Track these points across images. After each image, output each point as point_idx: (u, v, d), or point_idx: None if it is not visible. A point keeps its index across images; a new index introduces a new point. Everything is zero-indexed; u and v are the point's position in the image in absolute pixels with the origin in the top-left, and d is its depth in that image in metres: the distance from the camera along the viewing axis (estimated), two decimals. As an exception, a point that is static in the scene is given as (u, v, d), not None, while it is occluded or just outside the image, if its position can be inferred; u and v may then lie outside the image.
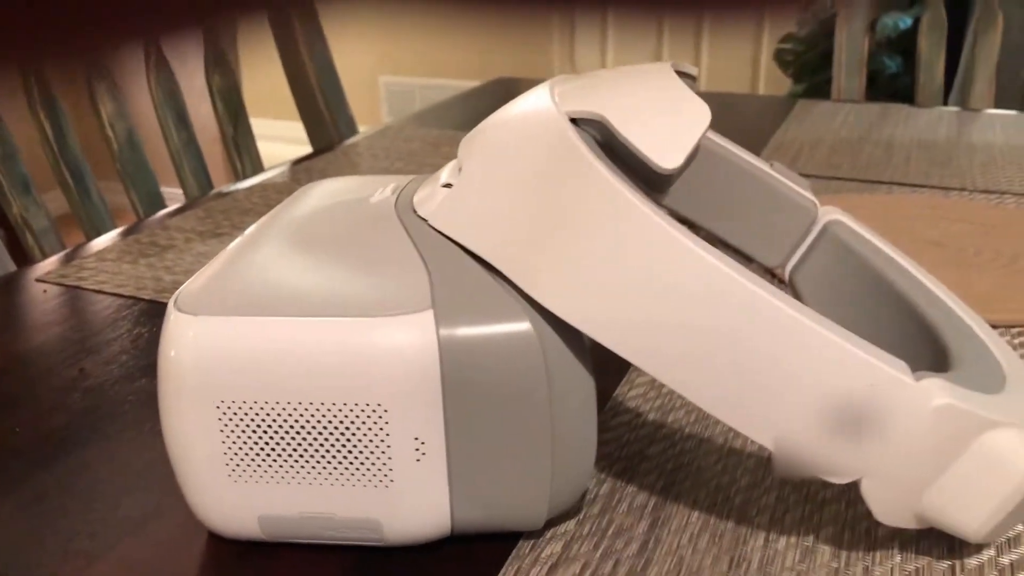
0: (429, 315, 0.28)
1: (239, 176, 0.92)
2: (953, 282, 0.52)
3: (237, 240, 0.35)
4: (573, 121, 0.31)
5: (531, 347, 0.28)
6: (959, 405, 0.27)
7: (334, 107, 0.97)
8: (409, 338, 0.28)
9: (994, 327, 0.47)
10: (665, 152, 0.29)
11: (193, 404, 0.29)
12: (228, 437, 0.29)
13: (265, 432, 0.29)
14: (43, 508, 0.34)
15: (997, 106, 1.06)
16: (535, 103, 0.32)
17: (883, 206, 0.64)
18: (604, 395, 0.41)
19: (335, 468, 0.29)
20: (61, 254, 0.59)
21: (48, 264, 0.57)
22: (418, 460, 0.29)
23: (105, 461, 0.37)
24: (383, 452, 0.29)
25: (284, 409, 0.29)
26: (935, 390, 0.27)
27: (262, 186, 0.72)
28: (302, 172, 0.76)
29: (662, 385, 0.42)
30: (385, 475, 0.29)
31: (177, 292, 0.31)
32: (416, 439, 0.29)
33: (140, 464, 0.37)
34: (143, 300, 0.52)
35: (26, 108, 0.76)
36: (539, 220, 0.29)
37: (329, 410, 0.29)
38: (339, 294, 0.29)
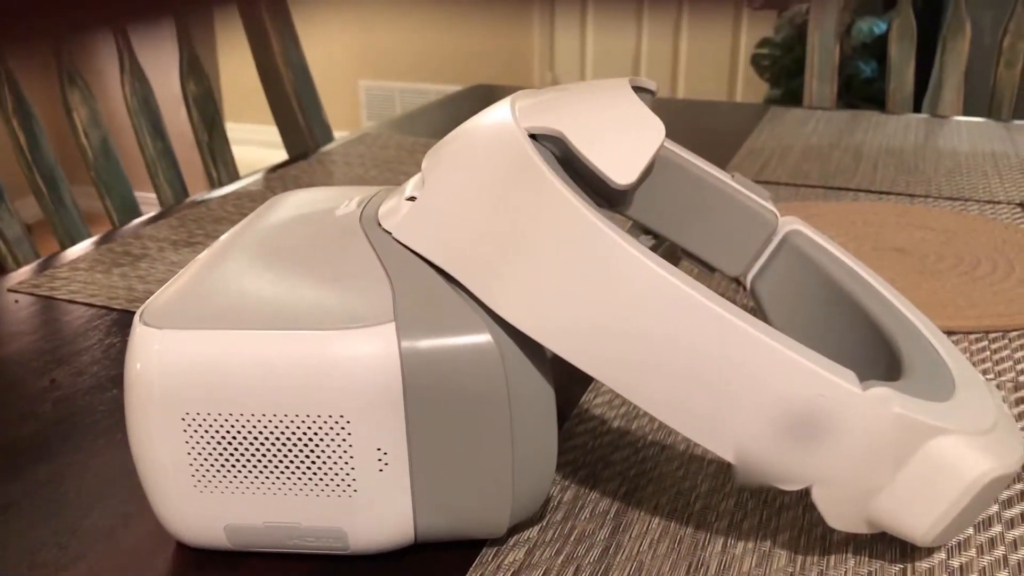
0: (391, 327, 0.29)
1: (214, 184, 0.92)
2: (915, 289, 0.53)
3: (203, 253, 0.35)
4: (533, 137, 0.32)
5: (491, 359, 0.29)
6: (905, 413, 0.28)
7: (309, 113, 0.97)
8: (371, 350, 0.29)
9: (953, 334, 0.48)
10: (620, 168, 0.29)
11: (158, 416, 0.29)
12: (193, 448, 0.30)
13: (230, 443, 0.29)
14: (9, 517, 0.34)
15: (966, 113, 1.08)
16: (496, 118, 0.32)
17: (848, 213, 0.66)
18: (570, 403, 0.42)
19: (299, 478, 0.30)
20: (34, 264, 0.59)
21: (20, 274, 0.58)
22: (381, 470, 0.30)
23: (74, 471, 0.37)
24: (346, 463, 0.29)
25: (248, 421, 0.29)
26: (882, 399, 0.28)
27: (236, 195, 0.72)
28: (276, 180, 0.76)
29: (627, 392, 0.43)
30: (348, 485, 0.30)
31: (143, 306, 0.31)
32: (379, 450, 0.29)
33: (109, 474, 0.37)
34: (115, 310, 0.52)
35: (-1, 116, 0.76)
36: (498, 233, 0.30)
37: (292, 422, 0.29)
38: (302, 307, 0.30)
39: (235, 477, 0.30)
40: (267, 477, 0.30)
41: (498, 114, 0.33)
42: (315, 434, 0.29)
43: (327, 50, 3.02)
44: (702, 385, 0.28)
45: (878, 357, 0.35)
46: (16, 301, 0.54)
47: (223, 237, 0.37)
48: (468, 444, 0.30)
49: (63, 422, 0.41)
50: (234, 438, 0.29)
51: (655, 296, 0.28)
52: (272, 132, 2.95)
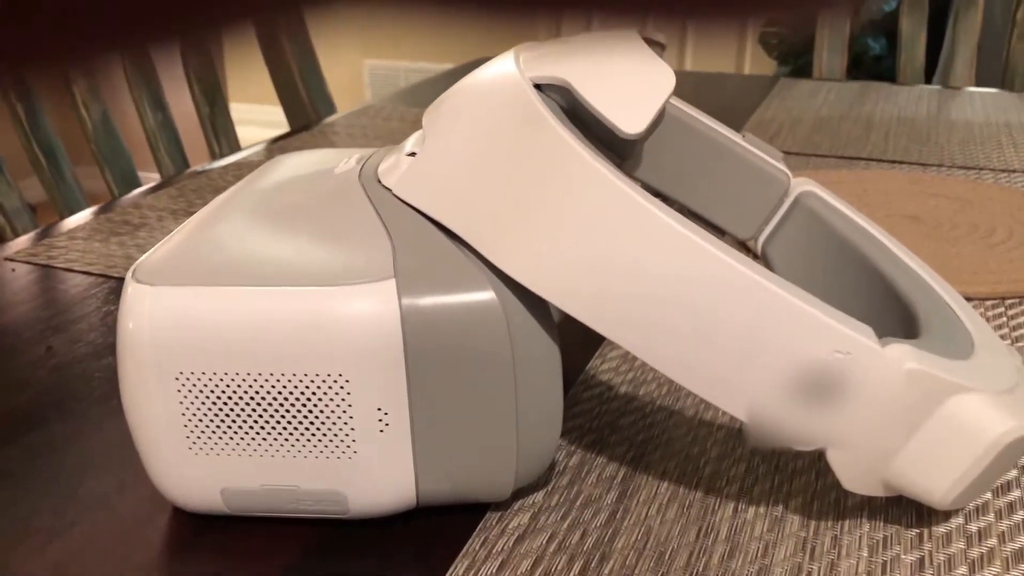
0: (391, 284, 0.28)
1: (216, 157, 0.91)
2: (929, 256, 0.52)
3: (199, 212, 0.34)
4: (538, 87, 0.31)
5: (494, 317, 0.28)
6: (924, 369, 0.27)
7: (312, 86, 0.96)
8: (371, 307, 0.28)
9: (970, 300, 0.47)
10: (629, 117, 0.28)
11: (152, 376, 0.29)
12: (188, 409, 0.29)
13: (225, 403, 0.29)
14: (4, 485, 0.34)
15: (978, 84, 1.06)
16: (499, 69, 0.31)
17: (861, 181, 0.64)
18: (576, 368, 0.41)
19: (297, 440, 0.29)
20: (32, 233, 0.58)
21: (18, 243, 0.57)
22: (381, 431, 0.29)
23: (70, 438, 0.36)
24: (345, 423, 0.28)
25: (244, 380, 0.28)
26: (900, 355, 0.27)
27: (237, 165, 0.71)
28: (278, 151, 0.75)
29: (634, 358, 0.42)
30: (348, 446, 0.29)
31: (136, 263, 0.30)
32: (379, 410, 0.28)
33: (106, 442, 0.36)
34: (113, 278, 0.51)
35: (-3, 87, 0.75)
36: (502, 187, 0.29)
37: (290, 380, 0.28)
38: (300, 263, 0.29)
39: (231, 439, 0.29)
40: (264, 438, 0.29)
41: (502, 65, 0.31)
42: (313, 393, 0.28)
43: (332, 30, 3.00)
44: (714, 341, 0.27)
45: (895, 319, 0.34)
46: (13, 270, 0.53)
47: (219, 197, 0.36)
48: (471, 404, 0.29)
49: (59, 390, 0.40)
50: (229, 398, 0.28)
51: (666, 248, 0.27)
52: (274, 112, 2.93)
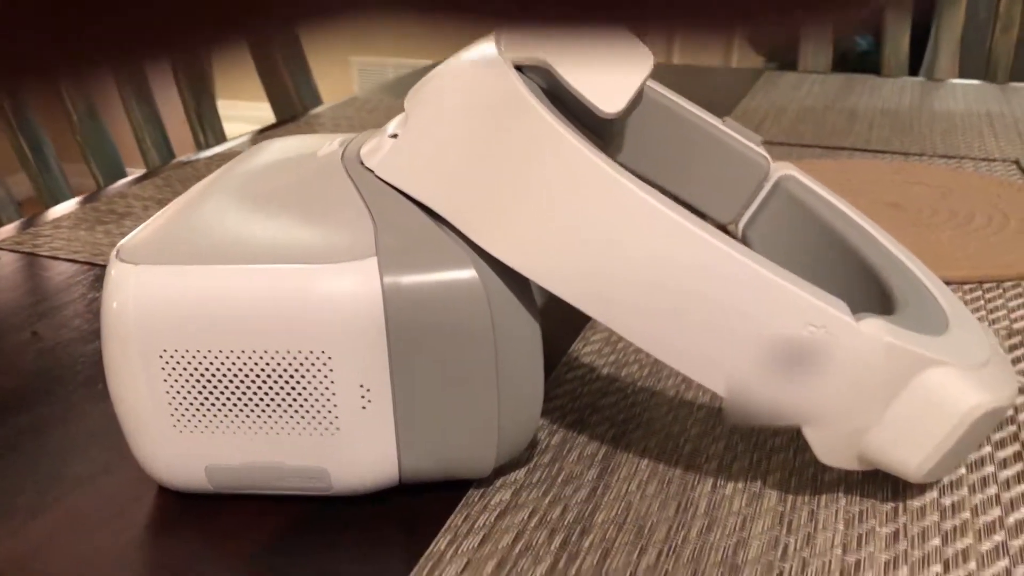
0: (372, 262, 0.28)
1: (202, 149, 0.91)
2: (910, 242, 0.52)
3: (183, 195, 0.35)
4: (519, 68, 0.31)
5: (475, 294, 0.28)
6: (897, 343, 0.27)
7: (299, 79, 0.96)
8: (353, 285, 0.28)
9: (948, 284, 0.48)
10: (607, 97, 0.29)
11: (136, 354, 0.29)
12: (172, 387, 0.29)
13: (209, 381, 0.29)
14: (-10, 466, 0.34)
15: (962, 76, 1.07)
16: (481, 52, 0.32)
17: (843, 170, 0.65)
18: (559, 351, 0.41)
19: (281, 416, 0.29)
20: (17, 222, 0.58)
21: (4, 231, 0.57)
22: (364, 408, 0.29)
23: (56, 422, 0.37)
24: (328, 400, 0.29)
25: (228, 357, 0.29)
26: (874, 329, 0.27)
27: (223, 155, 0.71)
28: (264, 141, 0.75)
29: (617, 341, 0.42)
30: (331, 423, 0.29)
31: (120, 243, 0.31)
32: (361, 386, 0.29)
33: (91, 425, 0.37)
34: (99, 266, 0.51)
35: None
36: (484, 167, 0.29)
37: (273, 358, 0.28)
38: (282, 242, 0.29)
39: (215, 416, 0.29)
40: (248, 416, 0.29)
41: (483, 48, 0.32)
42: (296, 370, 0.28)
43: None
44: (692, 316, 0.27)
45: (871, 297, 0.35)
46: (-1, 258, 0.53)
47: (203, 180, 0.36)
48: (453, 381, 0.29)
49: (44, 374, 0.40)
50: (213, 375, 0.29)
51: (645, 225, 0.27)
52: (261, 108, 2.93)
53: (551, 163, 0.28)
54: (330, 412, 0.29)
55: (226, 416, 0.29)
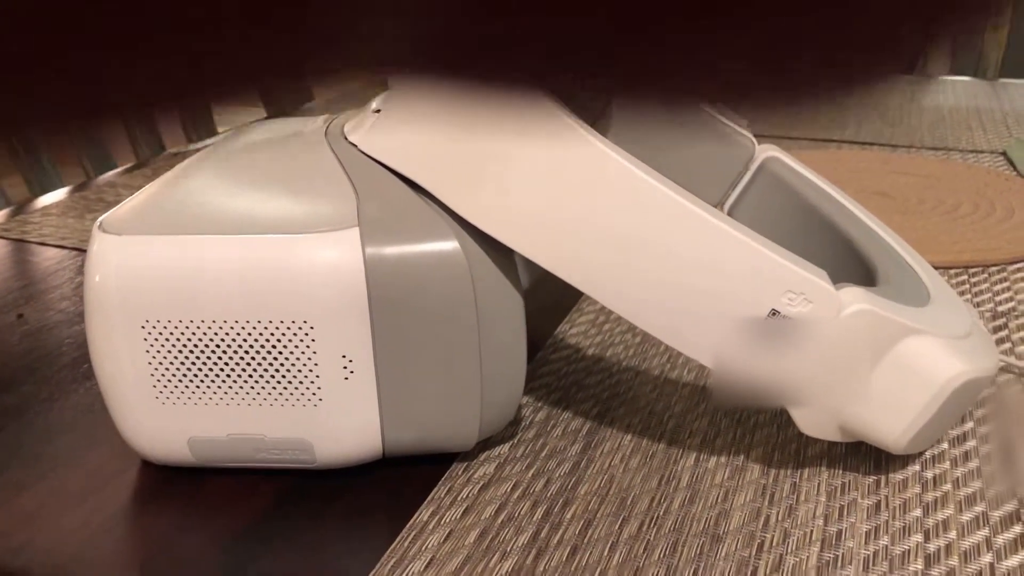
0: (355, 232, 0.28)
1: (192, 141, 0.91)
2: (897, 228, 0.52)
3: (167, 173, 0.35)
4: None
5: (457, 265, 0.29)
6: (876, 311, 0.27)
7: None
8: (335, 255, 0.28)
9: (935, 268, 0.48)
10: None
11: (118, 325, 0.29)
12: (154, 358, 0.29)
13: (191, 352, 0.29)
14: (-26, 442, 0.34)
15: (953, 73, 1.07)
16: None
17: (831, 161, 0.65)
18: (545, 333, 0.41)
19: (263, 387, 0.29)
20: (6, 210, 0.58)
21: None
22: (346, 378, 0.29)
23: (40, 401, 0.37)
24: (310, 370, 0.29)
25: (210, 328, 0.29)
26: (853, 297, 0.27)
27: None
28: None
29: (603, 323, 0.42)
30: (313, 394, 0.29)
31: (103, 216, 0.31)
32: (344, 357, 0.29)
33: (75, 403, 0.36)
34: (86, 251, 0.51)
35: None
36: (466, 139, 0.29)
37: (255, 328, 0.28)
38: (265, 213, 0.29)
39: (197, 387, 0.29)
40: (230, 387, 0.29)
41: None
42: (278, 341, 0.29)
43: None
44: (675, 284, 0.27)
45: (853, 273, 0.35)
46: (-14, 245, 0.53)
47: (188, 159, 0.36)
48: (436, 352, 0.29)
49: (29, 354, 0.40)
50: (195, 346, 0.29)
51: (632, 195, 0.27)
52: (257, 114, 2.92)
53: (536, 133, 0.28)
54: (312, 383, 0.29)
55: (208, 387, 0.29)
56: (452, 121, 0.30)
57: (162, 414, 0.30)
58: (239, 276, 0.28)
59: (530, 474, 0.31)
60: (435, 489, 0.31)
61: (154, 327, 0.29)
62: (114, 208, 0.31)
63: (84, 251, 0.51)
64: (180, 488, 0.31)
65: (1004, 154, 0.68)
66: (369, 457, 0.31)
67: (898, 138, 0.73)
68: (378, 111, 0.32)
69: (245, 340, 0.29)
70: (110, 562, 0.28)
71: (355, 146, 0.32)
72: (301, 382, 0.29)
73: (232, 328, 0.28)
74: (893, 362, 0.28)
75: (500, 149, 0.28)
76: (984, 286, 0.46)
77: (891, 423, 0.28)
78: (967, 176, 0.61)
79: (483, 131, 0.29)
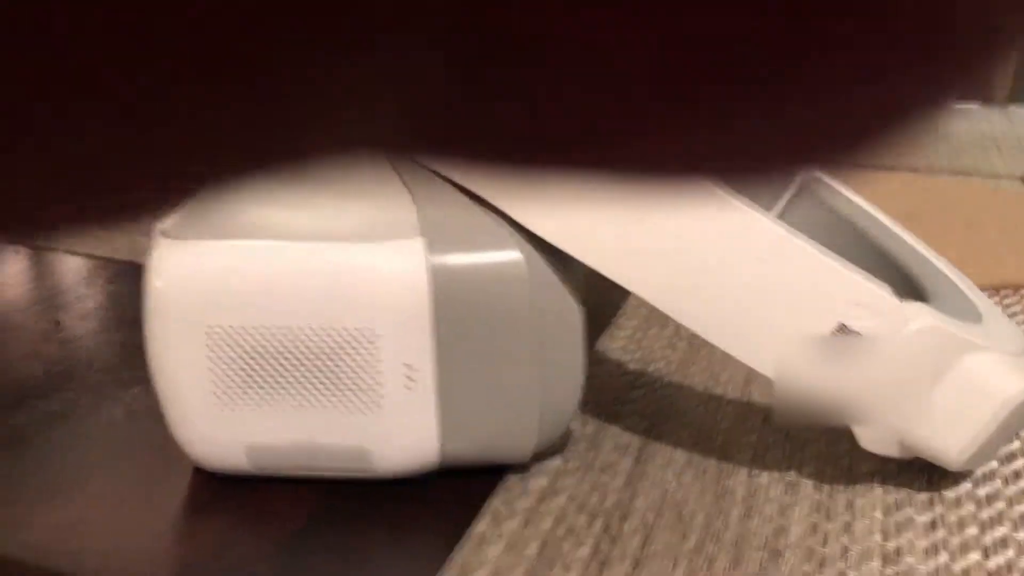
0: (419, 242, 0.29)
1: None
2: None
3: None
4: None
5: (519, 275, 0.29)
6: (941, 326, 0.27)
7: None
8: (400, 263, 0.28)
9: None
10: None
11: (180, 330, 0.29)
12: (216, 364, 0.29)
13: (253, 358, 0.29)
14: (21, 450, 0.34)
15: (962, 100, 1.08)
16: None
17: (853, 184, 0.65)
18: (587, 347, 0.42)
19: (325, 394, 0.29)
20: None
21: (19, 228, 0.57)
22: (407, 387, 0.29)
23: (83, 407, 0.36)
24: (373, 378, 0.29)
25: (273, 334, 0.29)
26: (917, 311, 0.27)
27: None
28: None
29: (642, 338, 0.42)
30: (375, 402, 0.29)
31: (161, 221, 0.31)
32: (406, 365, 0.29)
33: (118, 409, 0.36)
34: (118, 261, 0.51)
35: None
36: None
37: (319, 335, 0.28)
38: (328, 220, 0.29)
39: (258, 394, 0.29)
40: (291, 393, 0.29)
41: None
42: (342, 348, 0.29)
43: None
44: (741, 294, 0.27)
45: (903, 290, 0.35)
46: (16, 251, 0.53)
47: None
48: (496, 362, 0.29)
49: (67, 360, 0.40)
50: (258, 352, 0.29)
51: (700, 207, 0.27)
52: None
53: None
54: (374, 391, 0.29)
55: (269, 393, 0.29)
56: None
57: (221, 420, 0.30)
58: (304, 282, 0.28)
59: (585, 487, 0.31)
60: (491, 500, 0.31)
61: (216, 332, 0.29)
62: (172, 213, 0.31)
63: (115, 261, 0.51)
64: (229, 495, 0.31)
65: (1022, 179, 0.69)
66: (425, 467, 0.31)
67: (918, 162, 0.73)
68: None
69: (308, 346, 0.29)
70: (160, 570, 0.28)
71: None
72: (363, 390, 0.29)
73: (296, 335, 0.28)
74: (955, 378, 0.28)
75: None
76: (1017, 307, 0.46)
77: (952, 439, 0.29)
78: (990, 200, 0.62)
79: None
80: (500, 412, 0.30)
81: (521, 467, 0.32)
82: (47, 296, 0.47)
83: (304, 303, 0.28)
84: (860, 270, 0.28)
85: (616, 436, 0.34)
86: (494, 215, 0.30)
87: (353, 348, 0.29)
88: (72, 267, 0.51)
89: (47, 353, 0.41)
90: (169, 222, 0.30)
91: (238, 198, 0.31)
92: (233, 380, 0.29)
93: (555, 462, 0.33)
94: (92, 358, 0.40)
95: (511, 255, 0.29)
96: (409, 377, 0.29)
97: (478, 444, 0.30)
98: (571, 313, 0.30)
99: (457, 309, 0.28)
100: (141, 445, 0.34)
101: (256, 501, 0.31)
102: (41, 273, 0.50)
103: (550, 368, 0.30)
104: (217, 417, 0.30)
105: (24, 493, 0.31)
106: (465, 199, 0.30)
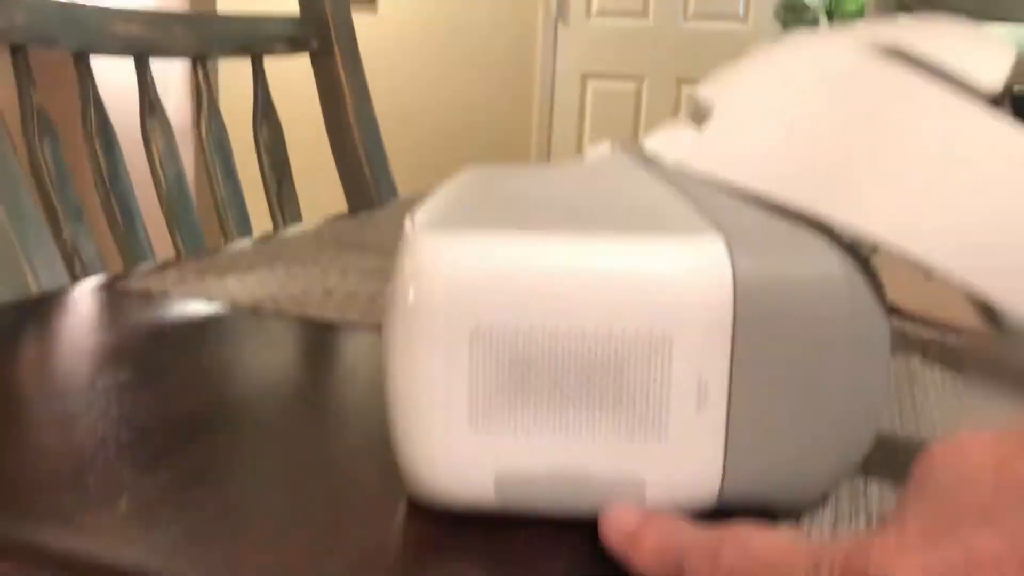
0: (719, 239, 0.25)
1: (279, 228, 0.89)
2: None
3: (457, 180, 0.31)
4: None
5: (838, 290, 0.25)
6: None
7: (376, 167, 0.95)
8: (701, 262, 0.25)
9: None
10: (986, 70, 0.26)
11: (440, 334, 0.25)
12: (477, 373, 0.25)
13: (523, 369, 0.25)
14: (224, 479, 0.29)
15: None
16: (822, 36, 0.29)
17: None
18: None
19: (601, 411, 0.25)
20: (148, 266, 0.55)
21: (133, 274, 0.53)
22: (699, 408, 0.25)
23: (254, 440, 0.32)
24: (661, 394, 0.25)
25: (549, 339, 0.25)
26: None
27: (306, 234, 0.69)
28: (341, 226, 0.72)
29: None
30: (660, 424, 0.25)
31: (413, 215, 0.27)
32: (699, 381, 0.25)
33: (277, 458, 0.32)
34: (238, 306, 0.48)
35: (81, 136, 0.73)
36: (841, 140, 0.26)
37: (603, 340, 0.25)
38: (610, 213, 0.26)
39: (522, 409, 0.25)
40: (562, 410, 0.25)
41: (823, 37, 0.30)
42: (628, 356, 0.25)
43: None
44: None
45: None
46: (129, 297, 0.49)
47: (459, 176, 0.33)
48: (796, 387, 0.25)
49: (219, 399, 0.36)
50: (528, 359, 0.25)
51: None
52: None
53: (936, 122, 0.25)
54: (661, 409, 0.25)
55: (535, 409, 0.25)
56: (807, 124, 0.27)
57: (472, 443, 0.26)
58: (589, 280, 0.25)
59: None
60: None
61: (483, 336, 0.25)
62: (423, 208, 0.28)
63: (236, 306, 0.48)
64: (455, 542, 0.26)
65: None
66: (701, 506, 0.26)
67: None
68: (699, 122, 0.30)
69: (589, 354, 0.25)
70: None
71: (668, 167, 0.30)
72: (649, 407, 0.25)
73: (576, 339, 0.25)
74: None
75: (881, 142, 0.26)
76: None
77: None
78: None
79: (850, 127, 0.26)
80: (794, 445, 0.26)
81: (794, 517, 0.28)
82: (183, 336, 0.43)
83: (590, 304, 0.25)
84: None
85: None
86: (805, 227, 0.26)
87: (642, 357, 0.25)
88: (190, 310, 0.47)
89: (205, 389, 0.37)
90: (425, 214, 0.27)
91: (500, 194, 0.28)
92: (495, 393, 0.25)
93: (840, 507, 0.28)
94: (247, 396, 0.36)
95: (831, 266, 0.25)
96: (701, 396, 0.25)
97: (763, 482, 0.26)
98: (880, 333, 0.26)
99: (760, 321, 0.25)
100: (357, 481, 0.30)
101: (498, 547, 0.26)
102: (162, 316, 0.46)
103: (855, 397, 0.26)
104: (467, 439, 0.26)
105: (237, 525, 0.27)
106: (752, 207, 0.27)
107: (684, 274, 0.25)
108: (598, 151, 0.33)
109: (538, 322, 0.25)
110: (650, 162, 0.30)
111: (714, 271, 0.25)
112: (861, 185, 0.26)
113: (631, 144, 0.33)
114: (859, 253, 0.26)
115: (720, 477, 0.26)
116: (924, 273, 0.32)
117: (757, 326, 0.25)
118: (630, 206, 0.27)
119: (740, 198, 0.28)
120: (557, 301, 0.25)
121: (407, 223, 0.27)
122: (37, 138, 0.69)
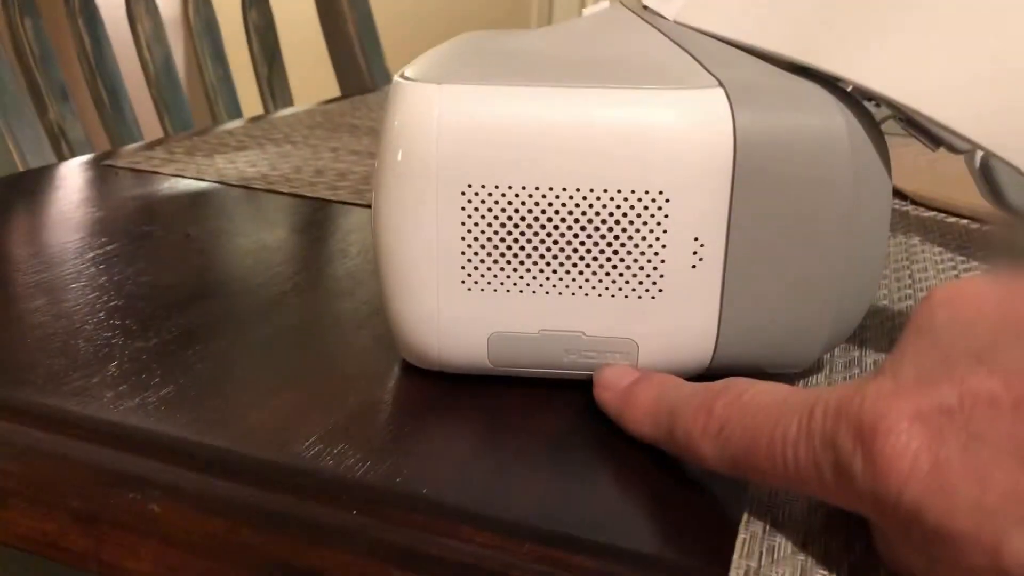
0: (719, 92, 0.24)
1: (270, 112, 0.87)
2: None
3: (460, 40, 0.30)
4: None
5: (840, 144, 0.24)
6: None
7: (370, 54, 0.92)
8: (700, 116, 0.24)
9: None
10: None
11: (431, 192, 0.24)
12: (470, 232, 0.25)
13: (517, 225, 0.24)
14: (218, 344, 0.29)
15: None
16: None
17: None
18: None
19: (596, 272, 0.25)
20: (135, 145, 0.54)
21: (121, 153, 0.52)
22: (694, 266, 0.25)
23: (235, 313, 0.32)
24: (656, 253, 0.24)
25: (544, 196, 0.24)
26: None
27: (297, 115, 0.67)
28: (334, 111, 0.71)
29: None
30: (654, 283, 0.25)
31: (404, 68, 0.26)
32: (696, 240, 0.24)
33: (282, 318, 0.32)
34: (231, 185, 0.47)
35: (64, 15, 0.70)
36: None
37: (599, 198, 0.24)
38: (609, 66, 0.25)
39: (515, 270, 0.25)
40: (555, 270, 0.25)
41: None
42: (624, 214, 0.24)
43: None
44: None
45: None
46: (116, 174, 0.48)
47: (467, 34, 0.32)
48: (794, 243, 0.25)
49: (211, 272, 0.35)
50: (523, 218, 0.24)
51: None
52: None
53: None
54: (655, 269, 0.25)
55: (529, 270, 0.25)
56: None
57: (465, 304, 0.25)
58: (586, 134, 0.24)
59: (870, 401, 0.27)
60: (770, 409, 0.26)
61: (476, 194, 0.24)
62: (414, 61, 0.27)
63: (228, 184, 0.47)
64: (450, 402, 0.26)
65: None
66: (695, 369, 0.26)
67: None
68: (696, -17, 0.29)
69: (585, 212, 0.24)
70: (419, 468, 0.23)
71: (668, 20, 0.28)
72: (643, 267, 0.25)
73: (571, 197, 0.24)
74: None
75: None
76: None
77: None
78: None
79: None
80: (790, 305, 0.25)
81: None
82: (175, 210, 0.42)
83: (587, 159, 0.24)
84: None
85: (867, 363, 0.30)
86: (793, 75, 0.25)
87: (638, 215, 0.24)
88: (182, 187, 0.46)
89: (194, 261, 0.36)
90: (413, 69, 0.26)
91: (497, 47, 0.27)
92: (488, 252, 0.25)
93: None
94: (242, 266, 0.36)
95: (833, 118, 0.24)
96: (696, 255, 0.24)
97: (757, 345, 0.26)
98: (883, 192, 0.25)
99: (761, 175, 0.24)
100: (331, 354, 0.29)
101: (489, 406, 0.26)
102: (162, 191, 0.45)
103: (854, 254, 0.25)
104: (460, 299, 0.25)
105: (236, 384, 0.26)
106: (753, 58, 0.26)
107: (683, 127, 0.24)
108: (598, 7, 0.32)
109: (533, 180, 0.24)
110: (650, 17, 0.29)
111: (714, 124, 0.24)
112: (867, 38, 0.25)
113: (631, 0, 0.32)
114: (864, 108, 0.25)
115: (714, 339, 0.26)
116: (929, 150, 0.31)
117: (757, 183, 0.24)
118: (628, 59, 0.26)
119: (741, 52, 0.27)
120: (552, 154, 0.24)
121: (396, 78, 0.26)
122: (18, 16, 0.67)
